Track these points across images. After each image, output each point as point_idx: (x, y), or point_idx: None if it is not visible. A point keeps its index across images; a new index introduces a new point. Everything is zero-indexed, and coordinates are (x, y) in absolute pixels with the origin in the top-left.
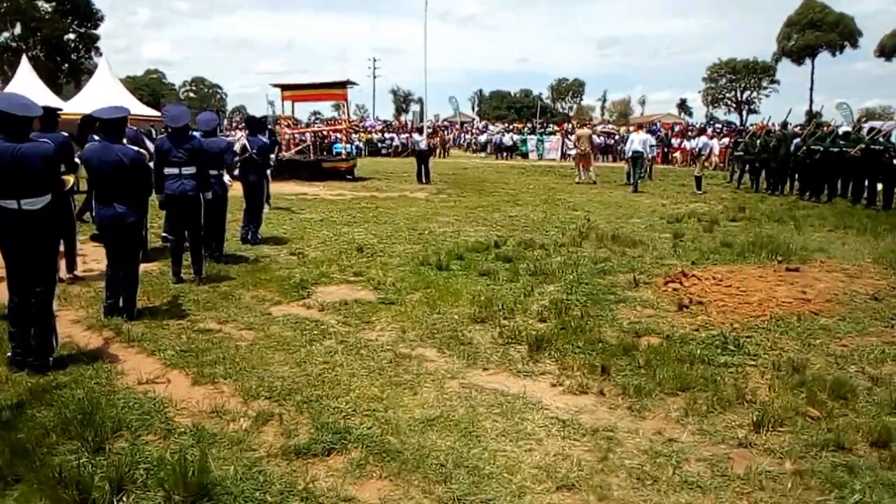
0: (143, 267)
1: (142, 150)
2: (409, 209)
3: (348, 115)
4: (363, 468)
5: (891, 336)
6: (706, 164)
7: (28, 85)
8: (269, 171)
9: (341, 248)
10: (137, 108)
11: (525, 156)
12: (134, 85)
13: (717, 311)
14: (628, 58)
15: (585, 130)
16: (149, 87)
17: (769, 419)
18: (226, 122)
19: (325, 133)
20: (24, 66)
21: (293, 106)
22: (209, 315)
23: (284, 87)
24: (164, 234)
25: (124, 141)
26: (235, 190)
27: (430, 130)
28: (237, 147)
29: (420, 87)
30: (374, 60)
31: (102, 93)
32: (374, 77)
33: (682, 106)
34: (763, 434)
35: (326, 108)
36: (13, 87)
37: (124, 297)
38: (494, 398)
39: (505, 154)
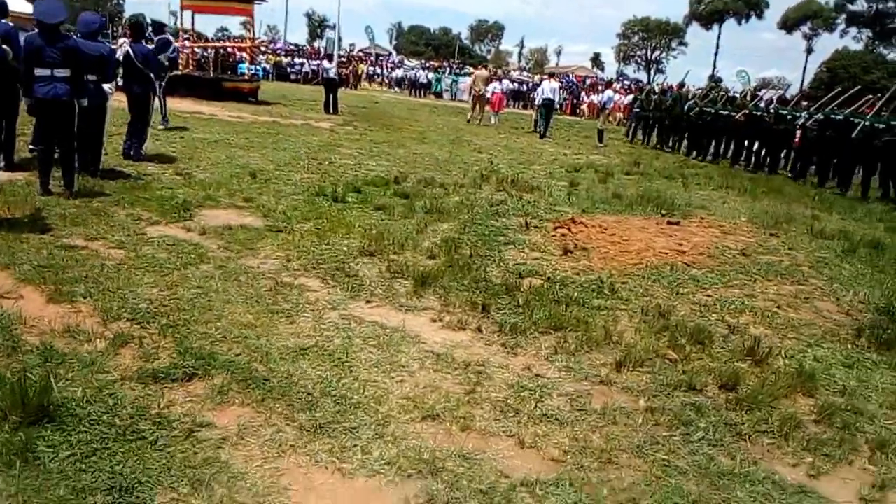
0: (7, 175)
1: (4, 48)
2: (311, 138)
3: (253, 34)
4: (225, 395)
5: (752, 289)
6: (609, 118)
7: None
8: (158, 85)
9: (233, 172)
10: (20, 6)
11: (439, 95)
12: None
13: (599, 257)
14: (548, 7)
15: (482, 72)
16: None
17: (631, 360)
18: (120, 30)
19: (228, 50)
20: None
21: (193, 17)
22: (76, 231)
23: None
24: (30, 146)
25: None
26: (120, 102)
27: (343, 59)
28: (119, 54)
29: (334, 12)
30: None
31: None
32: None
33: (596, 60)
34: (624, 373)
35: (235, 26)
36: None
37: None
38: (372, 330)
39: (419, 91)
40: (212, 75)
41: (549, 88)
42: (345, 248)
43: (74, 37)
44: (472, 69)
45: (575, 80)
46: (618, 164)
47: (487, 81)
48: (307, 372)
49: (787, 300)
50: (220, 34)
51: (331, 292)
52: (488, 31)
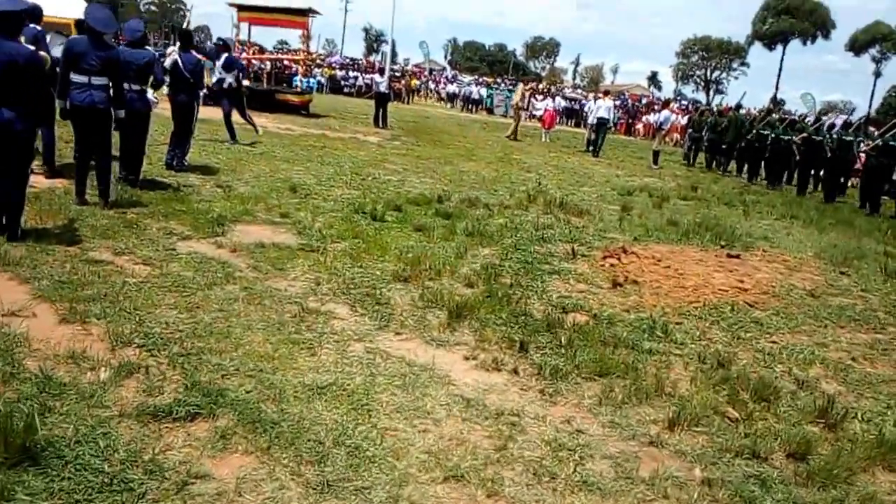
0: (48, 182)
1: (41, 52)
2: (357, 152)
3: (308, 46)
4: (228, 439)
5: (822, 336)
6: (666, 139)
7: None
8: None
9: (274, 186)
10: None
11: (491, 111)
12: None
13: (651, 292)
14: (605, 23)
15: (520, 86)
16: None
17: (685, 417)
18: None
19: (284, 63)
20: None
21: (250, 29)
22: (105, 244)
23: (241, 7)
24: (76, 153)
25: (21, 39)
26: (165, 109)
27: (397, 74)
28: (167, 63)
29: (393, 28)
30: None
31: None
32: (346, 11)
33: (653, 79)
34: (677, 433)
35: (294, 40)
36: None
37: (7, 216)
38: (399, 367)
39: (471, 107)
40: (265, 87)
41: (603, 107)
42: (378, 272)
43: (118, 46)
44: (524, 85)
45: (630, 100)
46: (674, 188)
47: (528, 95)
48: (321, 415)
49: (862, 351)
50: (279, 47)
51: (358, 321)
52: (544, 47)
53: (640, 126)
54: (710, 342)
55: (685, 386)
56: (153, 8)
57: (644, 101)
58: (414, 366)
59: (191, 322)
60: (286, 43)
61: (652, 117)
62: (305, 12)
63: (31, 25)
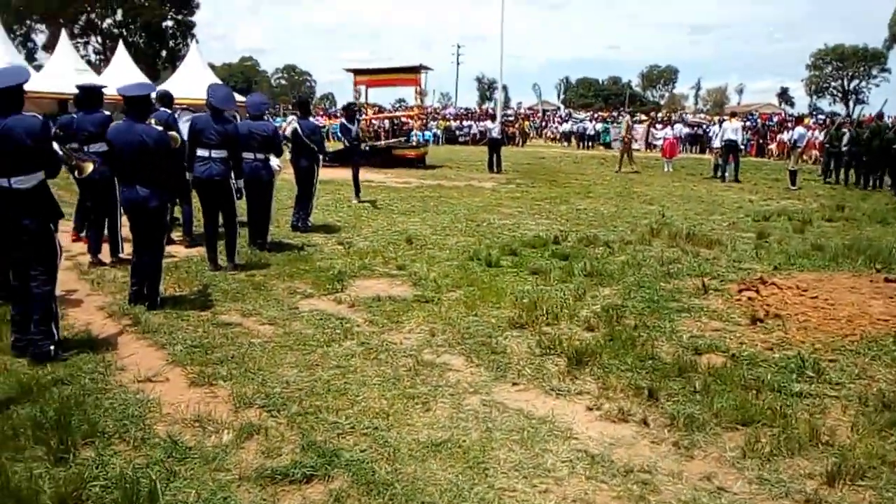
0: (186, 252)
1: (169, 132)
2: (472, 199)
3: (421, 101)
4: (342, 502)
5: None
6: (803, 157)
7: (123, 69)
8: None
9: (391, 239)
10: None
11: (608, 146)
12: (229, 71)
13: (798, 326)
14: (724, 44)
15: (627, 117)
16: (243, 73)
17: (848, 469)
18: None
19: (402, 120)
20: (121, 50)
21: (367, 91)
22: (234, 307)
23: (357, 72)
24: None
25: (151, 121)
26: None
27: (510, 118)
28: (288, 131)
29: (504, 73)
30: (458, 47)
31: (192, 77)
32: (458, 64)
33: (783, 95)
34: (838, 488)
35: (411, 96)
36: (110, 71)
37: (147, 286)
38: (517, 421)
39: (587, 143)
40: (382, 144)
41: (730, 129)
42: (493, 320)
43: (237, 120)
44: (643, 116)
45: (760, 119)
46: (816, 210)
47: (647, 126)
48: (436, 475)
49: None
50: (397, 105)
51: (474, 372)
52: (660, 75)
53: (772, 146)
54: (871, 381)
55: (845, 433)
56: (283, 82)
57: (775, 119)
58: (532, 418)
59: (310, 380)
60: (404, 100)
61: (785, 135)
62: (417, 69)
63: (163, 109)
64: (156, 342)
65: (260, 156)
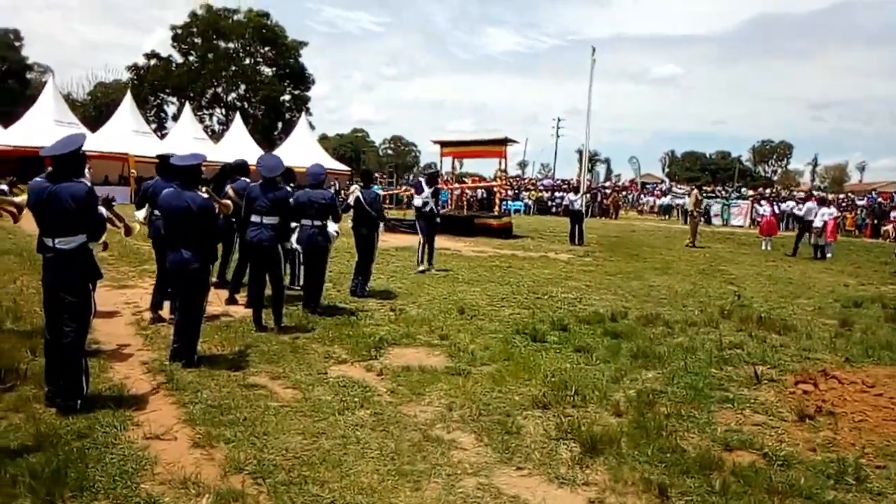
0: (241, 312)
1: (211, 199)
2: (542, 271)
3: (506, 172)
4: None
5: None
6: None
7: (239, 138)
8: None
9: (444, 308)
10: (331, 164)
11: (708, 220)
12: (340, 142)
13: (850, 426)
14: (846, 121)
15: (694, 192)
16: (352, 144)
17: None
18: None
19: (493, 190)
20: (237, 122)
21: (453, 162)
22: (266, 368)
23: (444, 144)
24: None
25: (202, 189)
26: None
27: (608, 191)
28: (350, 199)
29: (606, 147)
30: (558, 120)
31: (300, 147)
32: (558, 137)
33: None
34: None
35: (511, 167)
36: (226, 140)
37: (183, 344)
38: None
39: (687, 218)
40: (465, 213)
41: (818, 213)
42: (517, 397)
43: (287, 187)
44: (750, 192)
45: (880, 198)
46: None
47: (752, 201)
48: None
49: None
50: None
51: (480, 452)
52: (773, 150)
53: (889, 227)
54: None
55: None
56: (390, 151)
57: None
58: None
59: (310, 448)
60: (505, 172)
61: None
62: (503, 142)
63: (243, 179)
64: (179, 400)
65: (318, 222)
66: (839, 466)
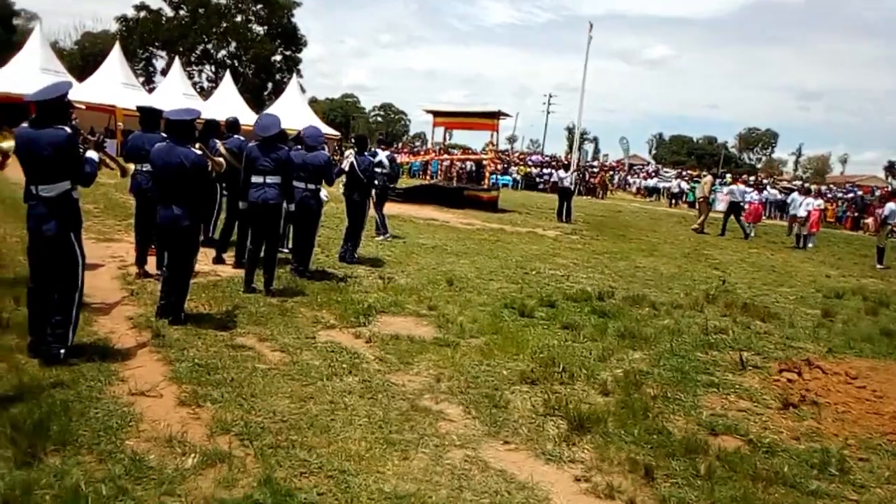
0: (229, 272)
1: (205, 156)
2: (529, 246)
3: (497, 146)
4: None
5: None
6: (894, 234)
7: (228, 97)
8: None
9: (433, 278)
10: (322, 128)
11: (692, 204)
12: (330, 106)
13: (833, 417)
14: (832, 113)
15: (709, 177)
16: (342, 109)
17: None
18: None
19: (483, 163)
20: (227, 79)
21: (445, 132)
22: (254, 330)
23: (436, 114)
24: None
25: (196, 146)
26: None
27: (597, 170)
28: (344, 165)
29: (595, 126)
30: (549, 97)
31: (290, 109)
32: (548, 113)
33: (891, 169)
34: None
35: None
36: (215, 97)
37: (172, 301)
38: (493, 483)
39: (673, 201)
40: (454, 185)
41: (802, 203)
42: (505, 372)
43: (286, 147)
44: (729, 177)
45: (859, 192)
46: None
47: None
48: None
49: None
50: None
51: (468, 425)
52: (759, 139)
53: (869, 220)
54: None
55: None
56: (379, 119)
57: (877, 192)
58: (511, 482)
59: (297, 412)
60: (495, 145)
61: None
62: (495, 115)
63: (235, 136)
64: (165, 357)
65: (311, 186)
66: (823, 457)
